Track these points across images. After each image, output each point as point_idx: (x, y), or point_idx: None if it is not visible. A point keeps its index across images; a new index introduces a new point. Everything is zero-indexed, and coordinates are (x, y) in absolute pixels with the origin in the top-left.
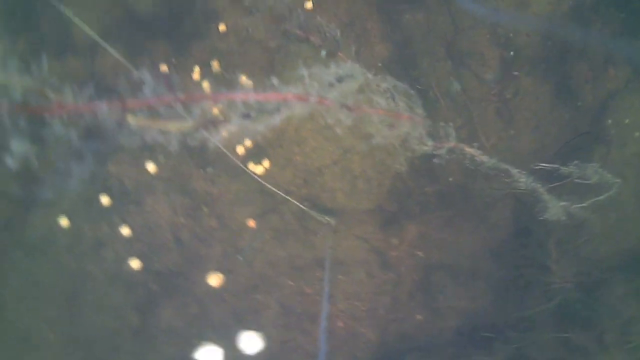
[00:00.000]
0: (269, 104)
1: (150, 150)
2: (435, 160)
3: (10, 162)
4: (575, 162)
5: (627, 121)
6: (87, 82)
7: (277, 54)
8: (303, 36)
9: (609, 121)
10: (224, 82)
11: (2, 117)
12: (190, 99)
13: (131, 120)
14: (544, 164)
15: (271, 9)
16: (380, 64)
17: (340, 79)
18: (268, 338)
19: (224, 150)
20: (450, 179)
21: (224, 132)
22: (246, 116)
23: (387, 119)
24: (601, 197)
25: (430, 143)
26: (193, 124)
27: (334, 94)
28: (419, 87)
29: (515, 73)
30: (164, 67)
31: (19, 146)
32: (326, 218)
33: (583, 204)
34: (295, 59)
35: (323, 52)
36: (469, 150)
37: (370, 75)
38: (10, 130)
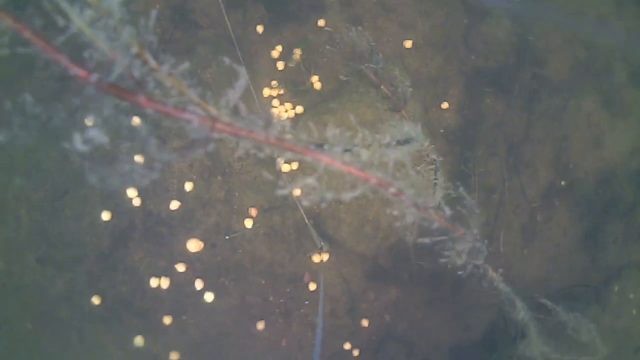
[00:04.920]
0: (349, 176)
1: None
2: (459, 272)
3: (79, 145)
4: (576, 314)
5: (631, 296)
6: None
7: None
8: (375, 82)
9: (616, 288)
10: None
11: (88, 90)
12: (278, 145)
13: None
14: (547, 300)
15: (354, 44)
16: (442, 131)
17: (400, 142)
18: (213, 322)
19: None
20: (449, 267)
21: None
22: (319, 179)
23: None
24: (580, 359)
25: (464, 258)
26: (267, 145)
27: (388, 158)
28: (465, 169)
29: (557, 203)
30: (260, 28)
31: (93, 131)
32: (322, 243)
33: (562, 357)
34: (359, 101)
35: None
36: (492, 273)
37: (425, 144)
38: (91, 107)
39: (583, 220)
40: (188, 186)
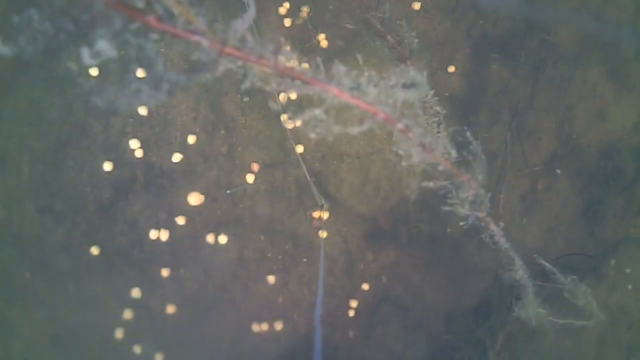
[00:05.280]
0: (357, 109)
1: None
2: (461, 223)
3: (87, 57)
4: (573, 277)
5: (627, 270)
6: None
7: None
8: (381, 32)
9: (612, 262)
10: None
11: (98, 5)
12: (286, 72)
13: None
14: (545, 262)
15: None
16: (447, 94)
17: (405, 86)
18: (210, 276)
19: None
20: (449, 230)
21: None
22: (327, 111)
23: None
24: (576, 323)
25: (466, 207)
26: (274, 74)
27: (394, 98)
28: (467, 130)
29: (558, 171)
30: None
31: (101, 43)
32: (323, 201)
33: (557, 320)
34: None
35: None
36: (493, 227)
37: (430, 94)
38: (99, 23)
39: (583, 192)
40: (191, 139)
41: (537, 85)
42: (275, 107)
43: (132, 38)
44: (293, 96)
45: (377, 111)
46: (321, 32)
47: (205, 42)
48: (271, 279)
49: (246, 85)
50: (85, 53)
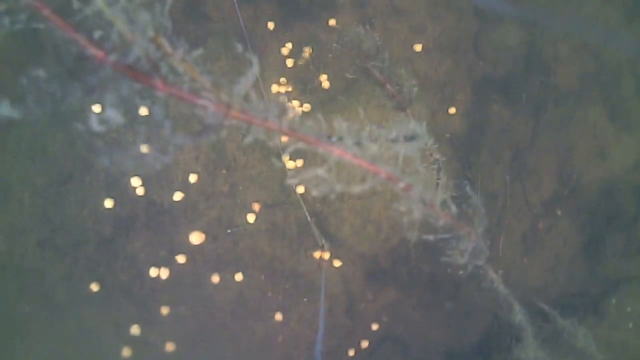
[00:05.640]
0: (359, 169)
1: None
2: (460, 272)
3: (95, 124)
4: (573, 319)
5: (628, 309)
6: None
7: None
8: (381, 80)
9: (613, 300)
10: (307, 75)
11: (105, 71)
12: (291, 134)
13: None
14: (545, 305)
15: (362, 42)
16: (448, 135)
17: (405, 138)
18: (210, 315)
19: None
20: (449, 270)
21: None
22: (329, 170)
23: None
24: None
25: (465, 258)
26: (280, 135)
27: (395, 153)
28: (468, 176)
29: (559, 212)
30: (270, 25)
31: (109, 111)
32: (323, 241)
33: None
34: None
35: None
36: (492, 274)
37: (429, 142)
38: (107, 88)
39: (584, 231)
40: (192, 178)
41: (537, 125)
42: (278, 164)
43: (139, 101)
44: (299, 163)
45: (379, 170)
46: (323, 73)
47: (210, 106)
48: (279, 316)
49: (249, 140)
50: (93, 119)
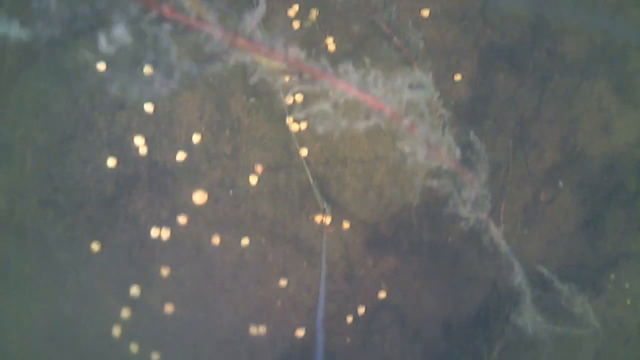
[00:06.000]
0: (363, 105)
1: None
2: (462, 224)
3: (104, 44)
4: (571, 284)
5: (627, 285)
6: None
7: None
8: (388, 34)
9: (612, 276)
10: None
11: None
12: (296, 65)
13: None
14: (544, 269)
15: None
16: (453, 102)
17: (411, 86)
18: (210, 277)
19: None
20: (450, 239)
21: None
22: (335, 106)
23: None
24: (573, 332)
25: (468, 208)
26: (284, 69)
27: (401, 99)
28: (470, 130)
29: (560, 184)
30: None
31: (117, 29)
32: (325, 205)
33: (555, 328)
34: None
35: None
36: (493, 229)
37: (436, 96)
38: (115, 11)
39: (585, 205)
40: (196, 138)
41: (543, 96)
42: (284, 105)
43: (147, 27)
44: (299, 98)
45: (383, 106)
46: (329, 36)
47: (217, 33)
48: (283, 282)
49: (255, 79)
50: (102, 39)
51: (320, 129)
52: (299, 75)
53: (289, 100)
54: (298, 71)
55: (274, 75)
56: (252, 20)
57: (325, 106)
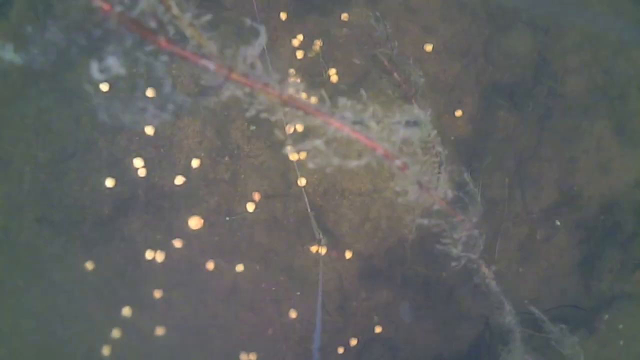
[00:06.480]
0: (357, 143)
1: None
2: (453, 263)
3: (96, 72)
4: (562, 326)
5: (620, 326)
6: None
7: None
8: (388, 68)
9: (606, 316)
10: (316, 68)
11: (110, 24)
12: (291, 102)
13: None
14: (535, 309)
15: (371, 29)
16: (452, 138)
17: (408, 124)
18: (202, 302)
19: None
20: (444, 274)
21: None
22: (327, 143)
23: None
24: None
25: (459, 248)
26: (280, 104)
27: (397, 137)
28: (465, 172)
29: (557, 223)
30: (283, 15)
31: (111, 59)
32: (321, 236)
33: None
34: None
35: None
36: (485, 269)
37: (432, 133)
38: (111, 40)
39: (581, 245)
40: (195, 163)
41: (542, 134)
42: (281, 136)
43: (142, 56)
44: (300, 128)
45: (376, 146)
46: (332, 67)
47: (212, 66)
48: (263, 309)
49: (251, 112)
50: (94, 67)
51: (312, 165)
52: (294, 110)
53: (289, 129)
54: (293, 107)
55: (270, 110)
56: (253, 50)
57: (317, 142)
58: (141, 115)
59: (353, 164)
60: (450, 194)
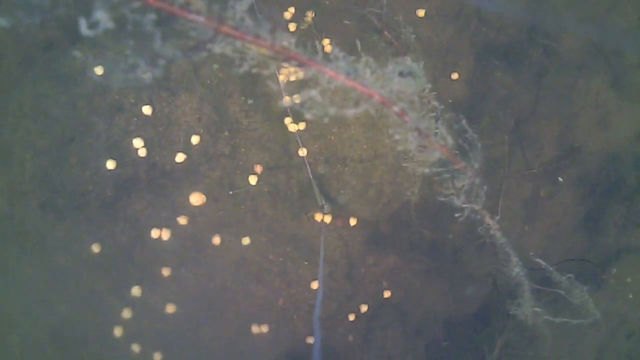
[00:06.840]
0: (353, 92)
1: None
2: (456, 215)
3: (84, 29)
4: (569, 275)
5: (628, 279)
6: None
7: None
8: (378, 27)
9: (614, 270)
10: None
11: None
12: (283, 52)
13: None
14: (541, 261)
15: None
16: (450, 101)
17: (402, 74)
18: (211, 277)
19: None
20: (450, 236)
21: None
22: (323, 93)
23: (443, 156)
24: (573, 322)
25: (462, 198)
26: (271, 57)
27: (392, 87)
28: (463, 118)
29: (560, 179)
30: None
31: (99, 13)
32: (324, 203)
33: (554, 319)
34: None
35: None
36: (489, 220)
37: (427, 87)
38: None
39: (585, 201)
40: (194, 139)
41: (539, 93)
42: (275, 87)
43: (129, 14)
44: (293, 77)
45: (373, 93)
46: (326, 37)
47: (201, 20)
48: (272, 281)
49: (244, 68)
50: (82, 23)
51: (308, 115)
52: (286, 61)
53: (284, 78)
54: (285, 58)
55: (262, 64)
56: (242, 4)
57: (313, 93)
58: (132, 71)
59: (350, 112)
60: (449, 140)
